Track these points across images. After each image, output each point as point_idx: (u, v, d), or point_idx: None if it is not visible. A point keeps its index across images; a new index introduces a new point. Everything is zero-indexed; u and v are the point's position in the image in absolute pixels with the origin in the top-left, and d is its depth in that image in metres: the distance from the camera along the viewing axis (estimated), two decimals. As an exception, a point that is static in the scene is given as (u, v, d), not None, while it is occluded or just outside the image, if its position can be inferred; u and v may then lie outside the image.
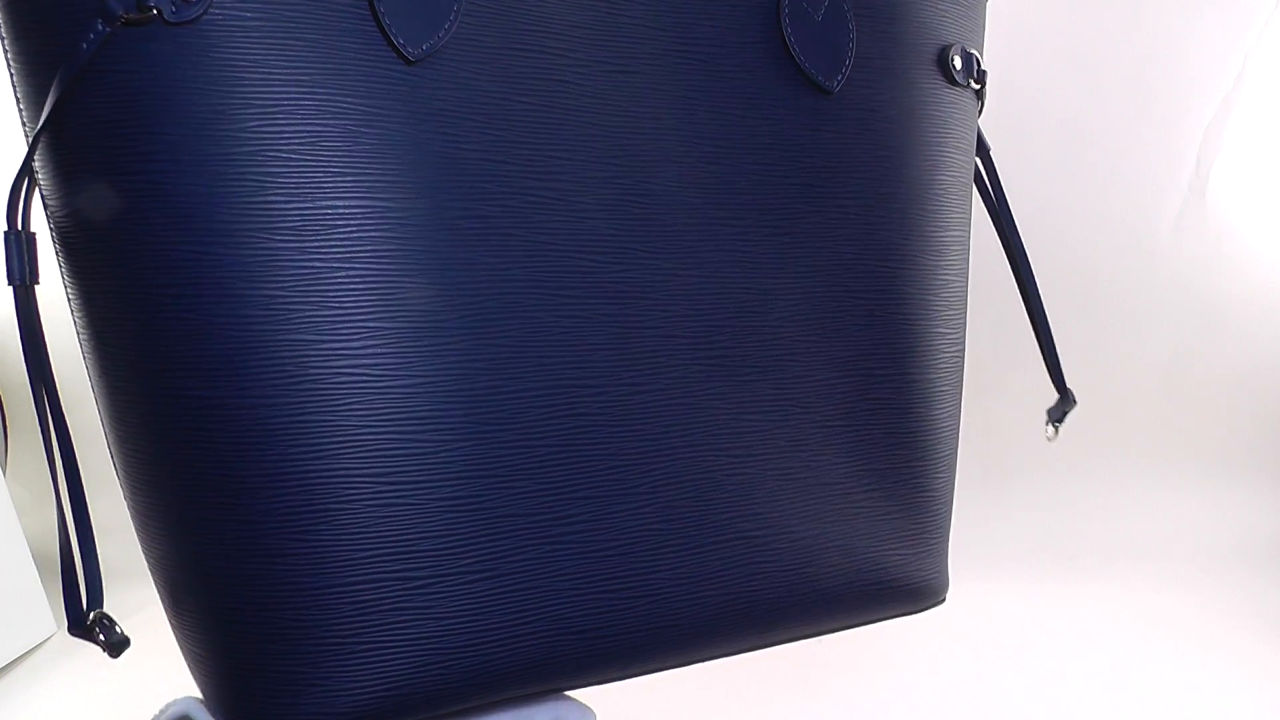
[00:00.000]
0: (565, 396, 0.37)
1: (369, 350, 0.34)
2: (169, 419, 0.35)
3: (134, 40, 0.33)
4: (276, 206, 0.33)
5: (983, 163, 0.52)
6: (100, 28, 0.32)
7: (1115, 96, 0.86)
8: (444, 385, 0.35)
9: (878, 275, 0.45)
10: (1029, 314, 0.53)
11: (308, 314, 0.34)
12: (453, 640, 0.36)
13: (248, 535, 0.34)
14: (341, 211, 0.34)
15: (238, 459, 0.34)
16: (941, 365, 0.48)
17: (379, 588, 0.35)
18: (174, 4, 0.32)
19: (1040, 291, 0.53)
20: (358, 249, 0.34)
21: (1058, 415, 0.54)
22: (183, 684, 0.39)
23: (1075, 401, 0.54)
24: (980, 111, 0.51)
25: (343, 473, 0.34)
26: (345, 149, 0.34)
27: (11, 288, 0.35)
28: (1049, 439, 0.55)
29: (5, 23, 0.35)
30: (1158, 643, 0.67)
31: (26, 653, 0.66)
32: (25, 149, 0.36)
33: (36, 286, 0.36)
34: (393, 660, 0.35)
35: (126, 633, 0.38)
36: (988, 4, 0.50)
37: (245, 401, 0.34)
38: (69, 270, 0.36)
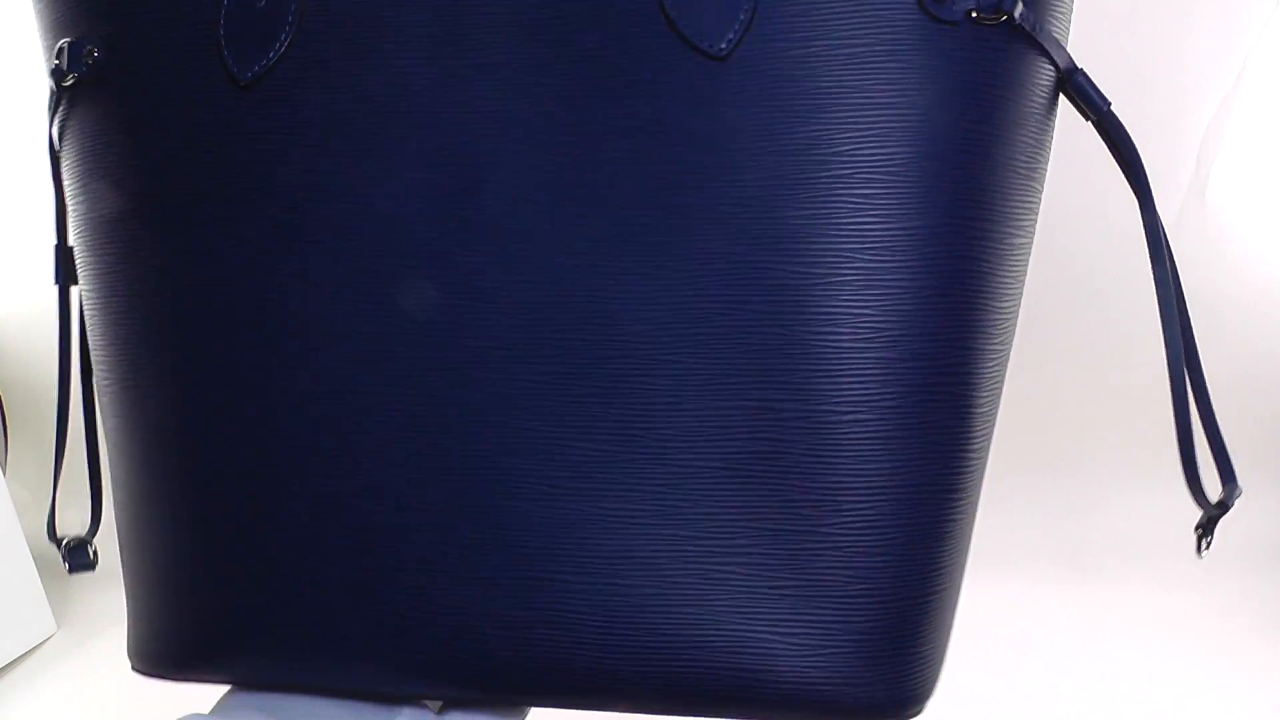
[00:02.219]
0: (356, 399, 0.36)
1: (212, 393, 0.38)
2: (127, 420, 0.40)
3: (74, 98, 0.40)
4: (141, 234, 0.39)
5: (1100, 130, 0.40)
6: (54, 91, 0.40)
7: (1115, 96, 0.86)
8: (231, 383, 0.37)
9: (770, 282, 0.34)
10: (1187, 384, 0.39)
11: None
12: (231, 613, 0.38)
13: (145, 501, 0.40)
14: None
15: (143, 469, 0.40)
16: (918, 386, 0.35)
17: (194, 541, 0.38)
18: (84, 67, 0.39)
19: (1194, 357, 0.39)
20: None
21: (1210, 516, 0.42)
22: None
23: (1232, 500, 0.41)
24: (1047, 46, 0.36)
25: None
26: (212, 172, 0.37)
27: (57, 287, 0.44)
28: (1200, 555, 0.43)
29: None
30: (1158, 643, 0.67)
31: (26, 653, 0.66)
32: None
33: (74, 288, 0.43)
34: (194, 622, 0.38)
35: (99, 557, 0.45)
36: None
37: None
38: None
